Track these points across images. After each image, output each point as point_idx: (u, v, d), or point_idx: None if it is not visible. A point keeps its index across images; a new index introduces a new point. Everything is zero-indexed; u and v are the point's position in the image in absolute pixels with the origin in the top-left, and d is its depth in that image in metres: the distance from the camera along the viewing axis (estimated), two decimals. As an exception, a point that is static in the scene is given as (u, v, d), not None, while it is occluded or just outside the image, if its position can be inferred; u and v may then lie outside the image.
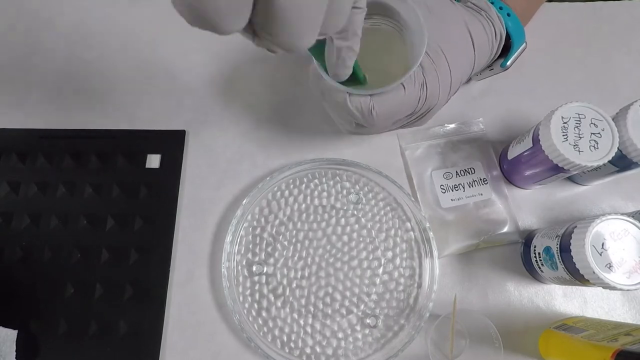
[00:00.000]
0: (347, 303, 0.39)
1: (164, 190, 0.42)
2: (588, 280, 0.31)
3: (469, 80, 0.44)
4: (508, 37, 0.39)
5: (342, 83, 0.32)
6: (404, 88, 0.33)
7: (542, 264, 0.36)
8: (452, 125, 0.43)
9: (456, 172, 0.42)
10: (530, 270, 0.39)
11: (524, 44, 0.40)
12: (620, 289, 0.30)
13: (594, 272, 0.30)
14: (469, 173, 0.42)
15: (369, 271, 0.39)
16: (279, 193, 0.42)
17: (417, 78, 0.34)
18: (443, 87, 0.35)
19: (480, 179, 0.41)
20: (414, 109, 0.35)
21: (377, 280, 0.39)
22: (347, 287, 0.39)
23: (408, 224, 0.41)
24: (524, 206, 0.42)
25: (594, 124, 0.34)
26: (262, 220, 0.41)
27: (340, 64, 0.28)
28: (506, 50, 0.40)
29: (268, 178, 0.41)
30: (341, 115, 0.36)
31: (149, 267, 0.40)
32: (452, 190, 0.41)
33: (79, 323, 0.38)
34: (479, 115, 0.44)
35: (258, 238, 0.40)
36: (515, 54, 0.40)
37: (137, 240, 0.40)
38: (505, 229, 0.40)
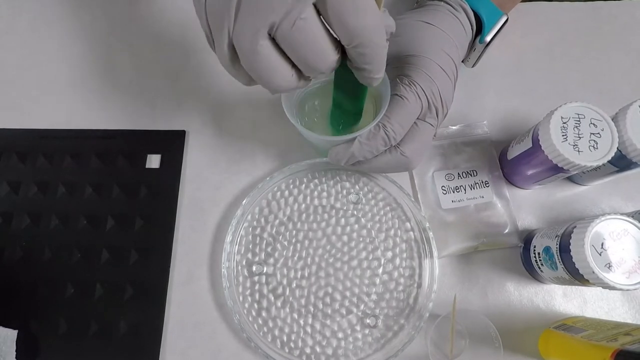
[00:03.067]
0: (347, 303, 0.39)
1: (164, 190, 0.42)
2: (588, 280, 0.31)
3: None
4: (476, 14, 0.38)
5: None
6: (406, 99, 0.33)
7: (541, 264, 0.36)
8: (456, 127, 0.43)
9: (458, 174, 0.42)
10: (530, 270, 0.39)
11: (504, 16, 0.39)
12: (620, 289, 0.30)
13: (593, 272, 0.30)
14: (471, 175, 0.42)
15: (368, 271, 0.39)
16: (279, 193, 0.42)
17: (413, 88, 0.34)
18: (443, 89, 0.35)
19: (482, 182, 0.41)
20: (418, 114, 0.35)
21: (377, 280, 0.39)
22: (347, 287, 0.39)
23: (408, 224, 0.41)
24: (524, 206, 0.42)
25: (594, 124, 0.34)
26: (262, 220, 0.41)
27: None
28: (479, 22, 0.39)
29: (268, 178, 0.41)
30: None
31: (149, 267, 0.40)
32: (453, 192, 0.41)
33: (79, 323, 0.38)
34: (479, 116, 0.44)
35: (258, 238, 0.41)
36: (495, 28, 0.39)
37: (137, 240, 0.40)
38: (505, 233, 0.40)
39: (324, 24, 0.25)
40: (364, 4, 0.24)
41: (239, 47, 0.26)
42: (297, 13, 0.23)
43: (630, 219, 0.32)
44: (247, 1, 0.24)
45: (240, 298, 0.39)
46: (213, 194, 0.42)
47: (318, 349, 0.38)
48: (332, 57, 0.26)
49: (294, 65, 0.27)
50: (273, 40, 0.25)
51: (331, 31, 0.25)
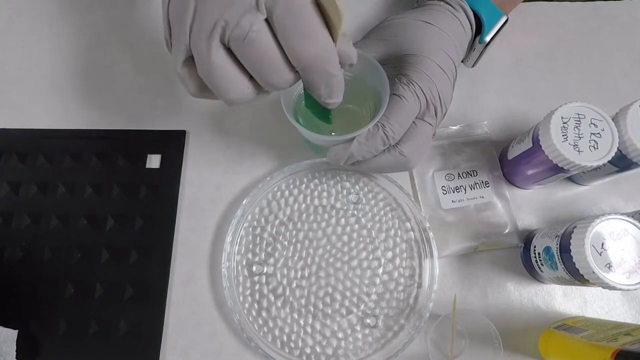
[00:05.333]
0: (347, 303, 0.39)
1: (164, 190, 0.42)
2: (588, 280, 0.31)
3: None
4: (476, 14, 0.38)
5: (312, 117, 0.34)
6: (405, 98, 0.33)
7: (541, 264, 0.36)
8: (456, 127, 0.43)
9: (458, 174, 0.42)
10: (530, 270, 0.39)
11: (504, 16, 0.39)
12: (620, 289, 0.30)
13: (593, 272, 0.30)
14: (471, 175, 0.42)
15: (369, 271, 0.39)
16: (279, 193, 0.42)
17: (411, 88, 0.34)
18: (442, 87, 0.35)
19: (482, 182, 0.41)
20: (417, 114, 0.35)
21: (377, 280, 0.39)
22: (347, 287, 0.39)
23: (408, 224, 0.41)
24: (524, 206, 0.42)
25: (594, 124, 0.34)
26: (262, 220, 0.41)
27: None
28: (479, 22, 0.39)
29: (268, 178, 0.41)
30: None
31: (149, 267, 0.40)
32: (454, 192, 0.41)
33: (79, 323, 0.38)
34: (479, 116, 0.44)
35: (258, 238, 0.40)
36: (495, 28, 0.39)
37: (137, 240, 0.40)
38: (505, 233, 0.40)
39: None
40: (311, 31, 0.24)
41: (196, 54, 0.26)
42: (248, 23, 0.23)
43: (631, 219, 0.32)
44: (201, 10, 0.24)
45: (240, 298, 0.39)
46: (213, 194, 0.42)
47: (318, 349, 0.38)
48: (287, 74, 0.25)
49: (251, 78, 0.26)
50: (230, 50, 0.25)
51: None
